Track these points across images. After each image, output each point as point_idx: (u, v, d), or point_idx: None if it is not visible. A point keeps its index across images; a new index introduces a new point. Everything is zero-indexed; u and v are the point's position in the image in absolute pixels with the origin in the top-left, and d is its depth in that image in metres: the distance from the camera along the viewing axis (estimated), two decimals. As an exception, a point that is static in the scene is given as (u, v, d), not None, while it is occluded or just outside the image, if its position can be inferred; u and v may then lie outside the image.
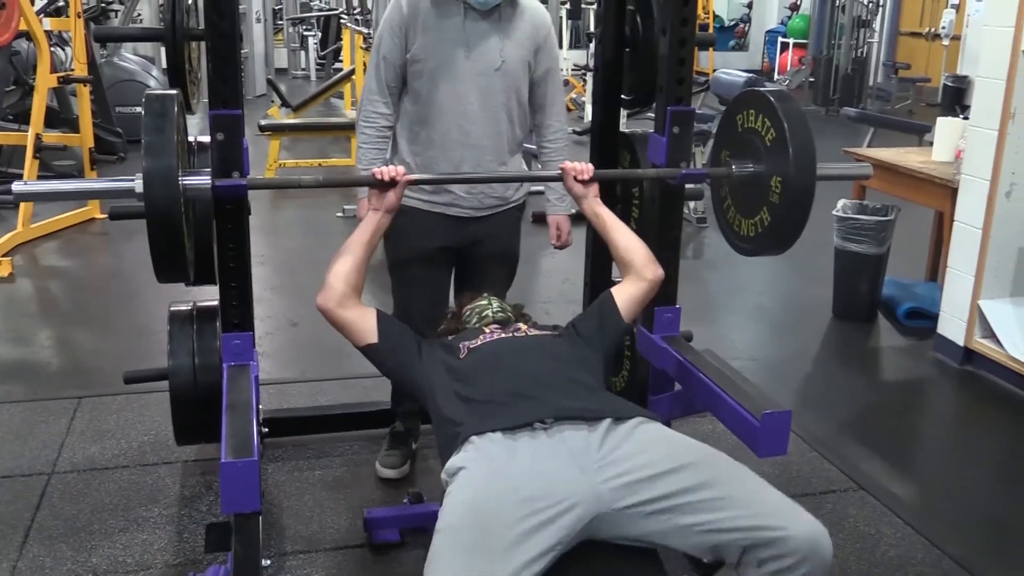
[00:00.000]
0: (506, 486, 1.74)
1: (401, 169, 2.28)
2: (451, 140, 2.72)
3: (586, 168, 2.38)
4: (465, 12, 2.65)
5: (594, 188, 2.39)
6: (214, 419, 2.22)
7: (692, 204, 6.25)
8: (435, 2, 2.66)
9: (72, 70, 6.42)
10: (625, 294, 2.30)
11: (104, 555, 2.56)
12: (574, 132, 8.95)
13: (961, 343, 4.03)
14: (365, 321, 2.19)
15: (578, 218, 2.57)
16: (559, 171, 2.40)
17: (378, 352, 2.20)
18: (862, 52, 11.89)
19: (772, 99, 2.27)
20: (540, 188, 3.10)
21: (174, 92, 2.10)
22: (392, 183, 2.25)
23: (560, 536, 1.69)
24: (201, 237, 2.59)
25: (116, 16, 9.23)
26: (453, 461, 1.87)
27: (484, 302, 2.43)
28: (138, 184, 1.94)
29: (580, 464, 1.77)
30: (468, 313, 2.42)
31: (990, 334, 3.92)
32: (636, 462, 1.79)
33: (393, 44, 2.70)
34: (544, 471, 1.76)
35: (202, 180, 2.13)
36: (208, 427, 2.46)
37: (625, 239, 2.36)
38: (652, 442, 1.86)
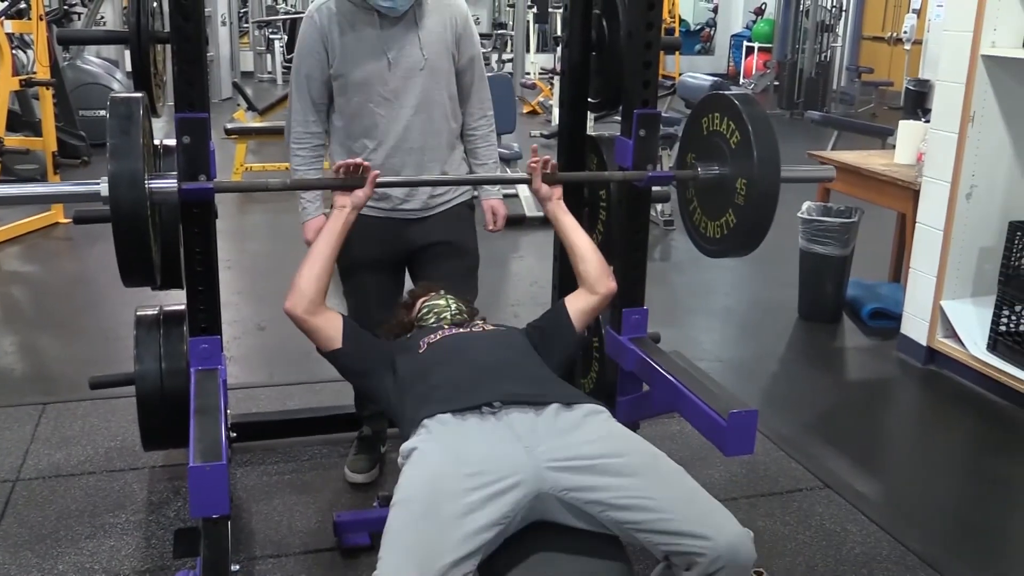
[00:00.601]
0: (455, 461, 1.81)
1: (364, 161, 2.30)
2: (388, 148, 2.71)
3: (550, 161, 2.41)
4: (379, 19, 2.64)
5: (558, 191, 2.42)
6: (182, 424, 2.21)
7: (659, 207, 6.29)
8: (347, 14, 2.65)
9: (34, 73, 6.34)
10: (577, 305, 2.34)
11: (70, 562, 2.54)
12: (542, 135, 9.00)
13: (924, 343, 4.09)
14: (332, 327, 2.21)
15: (547, 221, 2.58)
16: (528, 173, 2.42)
17: (342, 356, 2.22)
18: (826, 56, 12.03)
19: (737, 103, 2.29)
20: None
21: (139, 95, 2.09)
22: (360, 181, 2.26)
23: (505, 510, 1.74)
24: (168, 241, 2.58)
25: (79, 19, 9.14)
26: (407, 444, 1.94)
27: (442, 302, 2.43)
28: (103, 188, 1.93)
29: (525, 444, 1.84)
30: (425, 311, 2.42)
31: (952, 334, 3.99)
32: (579, 451, 1.84)
33: (314, 61, 2.69)
34: (491, 449, 1.84)
35: (168, 184, 2.12)
36: (176, 432, 2.43)
37: (583, 247, 2.38)
38: (597, 433, 1.93)
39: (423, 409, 1.98)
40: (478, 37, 2.87)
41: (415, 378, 2.12)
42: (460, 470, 1.78)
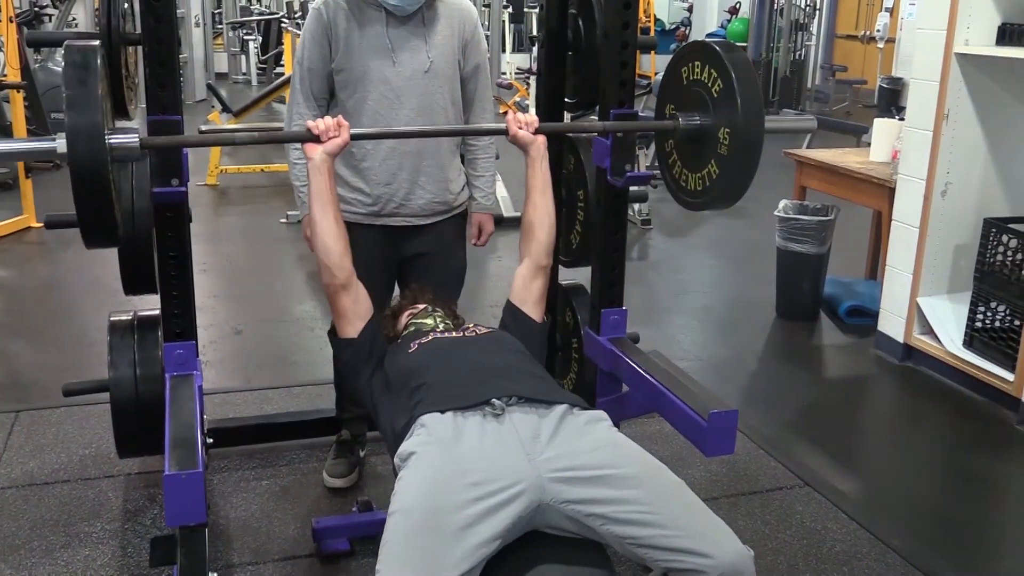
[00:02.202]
0: (456, 470, 1.75)
1: (340, 119, 2.17)
2: (386, 149, 2.68)
3: (531, 120, 2.32)
4: (387, 17, 2.62)
5: (541, 139, 2.33)
6: (157, 431, 2.18)
7: (636, 206, 6.29)
8: (355, 9, 2.62)
9: (5, 76, 6.26)
10: (526, 294, 2.29)
11: (44, 572, 2.50)
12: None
13: (901, 340, 4.11)
14: (360, 316, 2.17)
15: (518, 221, 2.54)
16: (504, 124, 2.32)
17: (349, 345, 2.18)
18: (800, 55, 12.08)
19: (719, 50, 2.21)
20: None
21: (96, 43, 1.95)
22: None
23: (508, 524, 1.71)
24: (141, 245, 2.55)
25: (50, 20, 9.04)
26: (405, 446, 1.87)
27: (430, 321, 2.36)
28: (61, 144, 1.81)
29: (528, 451, 1.79)
30: (412, 328, 2.33)
31: (928, 330, 4.01)
32: (582, 460, 1.80)
33: (317, 54, 2.66)
34: (493, 456, 1.78)
35: (130, 139, 1.95)
36: (151, 439, 2.41)
37: (546, 207, 2.32)
38: (601, 442, 1.87)
39: (420, 406, 1.91)
40: (485, 45, 2.83)
41: (407, 375, 2.04)
42: (461, 479, 1.72)
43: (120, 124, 2.07)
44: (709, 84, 2.24)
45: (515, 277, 2.33)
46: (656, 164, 2.65)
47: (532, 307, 2.30)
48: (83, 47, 1.88)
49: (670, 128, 2.37)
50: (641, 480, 1.79)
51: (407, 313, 2.41)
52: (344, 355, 2.20)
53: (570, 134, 2.98)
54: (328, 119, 2.16)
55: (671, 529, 1.72)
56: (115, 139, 1.91)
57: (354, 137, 2.20)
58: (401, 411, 1.98)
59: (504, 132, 2.33)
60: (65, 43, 1.91)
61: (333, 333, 2.26)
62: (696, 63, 2.28)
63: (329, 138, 2.13)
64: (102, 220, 1.88)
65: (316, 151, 2.14)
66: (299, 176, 2.72)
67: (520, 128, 2.30)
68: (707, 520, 1.77)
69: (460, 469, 1.75)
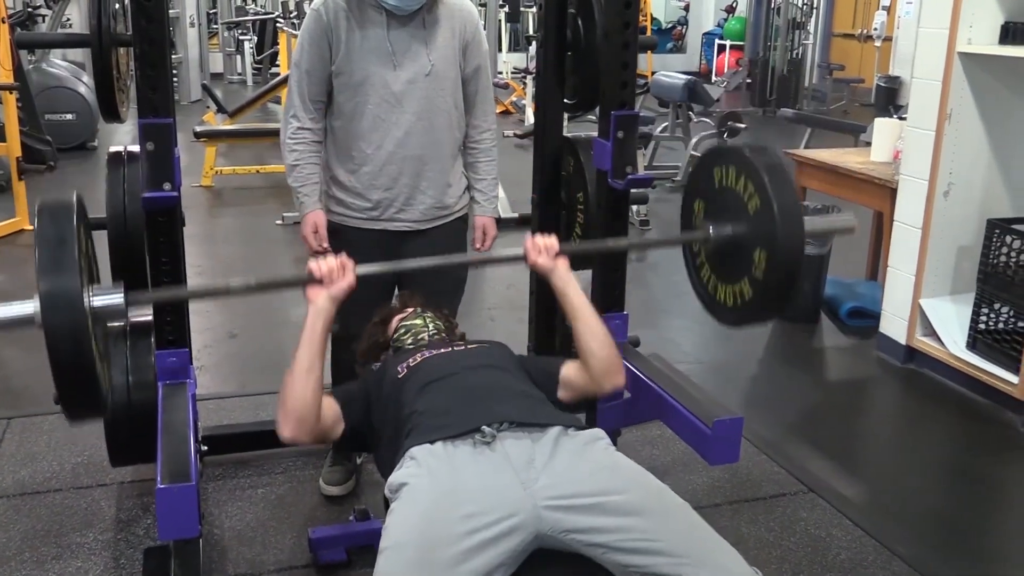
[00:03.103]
0: (448, 502, 1.69)
1: (344, 259, 2.03)
2: (387, 153, 2.63)
3: (551, 244, 2.14)
4: (387, 19, 2.57)
5: (563, 261, 2.15)
6: (150, 438, 2.14)
7: (635, 207, 6.25)
8: (355, 11, 2.57)
9: (-3, 77, 6.21)
10: (573, 382, 2.11)
11: (35, 585, 2.46)
12: (515, 135, 8.94)
13: (903, 342, 4.07)
14: (333, 420, 2.04)
15: (522, 222, 2.51)
16: (522, 250, 2.15)
17: (350, 435, 2.09)
18: (797, 54, 12.05)
19: (754, 161, 1.99)
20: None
21: (73, 197, 1.77)
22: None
23: (503, 558, 1.65)
24: (135, 247, 2.51)
25: (44, 21, 8.99)
26: (395, 477, 1.82)
27: (419, 321, 2.30)
28: (36, 311, 1.61)
29: (522, 478, 1.73)
30: (403, 331, 2.30)
31: (931, 332, 3.97)
32: (580, 487, 1.73)
33: (315, 56, 2.61)
34: (486, 486, 1.72)
35: (113, 299, 1.74)
36: (144, 447, 2.36)
37: (592, 332, 2.08)
38: (599, 465, 1.81)
39: (409, 438, 1.85)
40: (487, 47, 2.79)
41: (397, 405, 1.98)
42: (454, 511, 1.65)
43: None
44: (745, 198, 2.01)
45: (577, 369, 2.12)
46: (651, 164, 2.60)
47: (563, 390, 2.13)
48: (57, 205, 1.70)
49: (701, 240, 2.16)
50: (642, 506, 1.72)
51: (397, 318, 2.36)
52: (350, 445, 2.15)
53: (568, 136, 2.95)
54: (331, 259, 2.01)
55: (675, 556, 1.66)
56: (97, 301, 1.70)
57: (361, 277, 2.02)
58: (391, 442, 1.93)
59: (523, 259, 2.16)
60: (39, 203, 1.72)
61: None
62: (731, 169, 2.06)
63: (333, 280, 1.99)
64: (86, 393, 1.69)
65: (320, 295, 1.98)
66: (297, 178, 2.69)
67: (539, 255, 2.13)
68: (712, 543, 1.72)
69: (453, 501, 1.68)
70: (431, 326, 2.28)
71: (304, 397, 1.93)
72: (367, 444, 2.13)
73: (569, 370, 2.12)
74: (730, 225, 2.05)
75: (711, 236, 2.09)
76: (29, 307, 1.61)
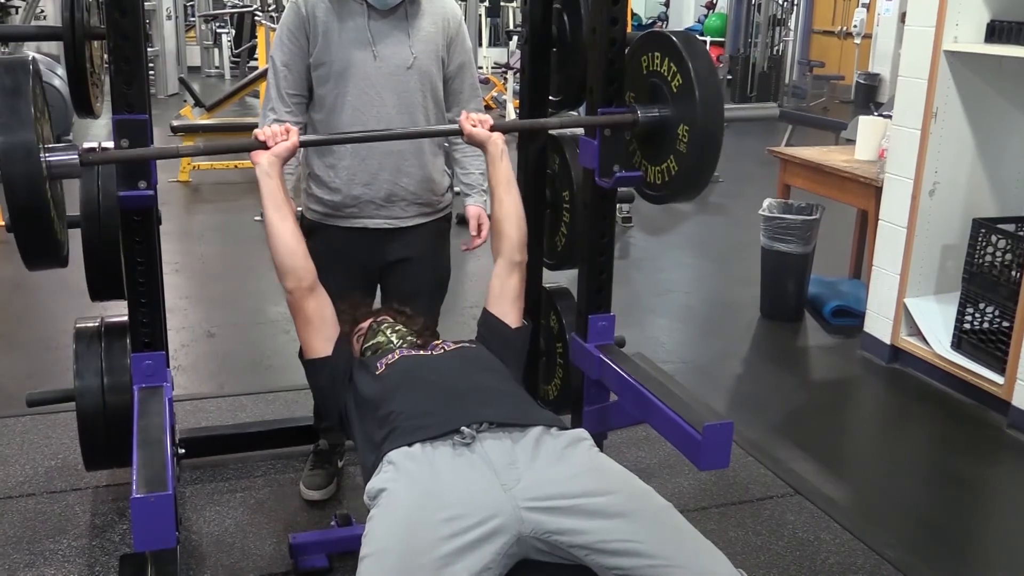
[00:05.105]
0: (428, 506, 1.66)
1: (288, 124, 2.18)
2: (366, 147, 2.57)
3: (484, 119, 2.32)
4: (368, 11, 2.52)
5: (499, 134, 2.31)
6: (126, 442, 2.08)
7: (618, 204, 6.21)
8: (335, 2, 2.52)
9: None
10: (502, 293, 2.22)
11: (7, 593, 2.39)
12: (497, 131, 8.88)
13: (888, 341, 4.05)
14: (329, 328, 2.09)
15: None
16: (457, 125, 2.33)
17: (324, 366, 2.07)
18: (778, 50, 12.06)
19: (678, 42, 2.18)
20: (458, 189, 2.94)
21: (27, 57, 1.92)
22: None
23: (486, 561, 1.62)
24: (108, 247, 2.44)
25: (17, 12, 8.84)
26: (373, 483, 1.79)
27: (381, 339, 2.22)
28: None
29: (502, 480, 1.70)
30: (368, 352, 2.22)
31: (916, 332, 3.95)
32: (561, 488, 1.70)
33: (293, 49, 2.55)
34: (466, 488, 1.69)
35: (68, 156, 1.91)
36: (120, 451, 2.31)
37: (513, 203, 2.27)
38: (581, 467, 1.78)
39: (387, 441, 1.82)
40: (470, 44, 2.74)
41: (375, 403, 1.95)
42: (435, 515, 1.63)
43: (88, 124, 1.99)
44: (668, 78, 2.20)
45: (491, 279, 2.26)
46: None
47: (509, 307, 2.21)
48: (13, 62, 1.83)
49: (629, 122, 2.32)
50: (626, 507, 1.70)
51: (359, 333, 2.28)
52: (321, 379, 2.09)
53: (553, 132, 2.89)
54: (275, 126, 2.14)
55: (659, 558, 1.63)
56: (53, 157, 1.86)
57: (303, 144, 2.20)
58: (370, 443, 1.89)
59: (459, 132, 2.32)
60: None
61: (302, 355, 2.13)
62: (656, 54, 2.25)
63: (277, 143, 2.10)
64: (43, 242, 1.83)
65: (263, 156, 2.10)
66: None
67: (475, 127, 2.28)
68: (697, 545, 1.69)
69: (433, 505, 1.66)
70: (395, 340, 2.21)
71: (285, 239, 2.06)
72: (330, 399, 2.10)
73: (492, 303, 2.23)
74: (656, 106, 2.26)
75: (639, 118, 2.28)
76: None
